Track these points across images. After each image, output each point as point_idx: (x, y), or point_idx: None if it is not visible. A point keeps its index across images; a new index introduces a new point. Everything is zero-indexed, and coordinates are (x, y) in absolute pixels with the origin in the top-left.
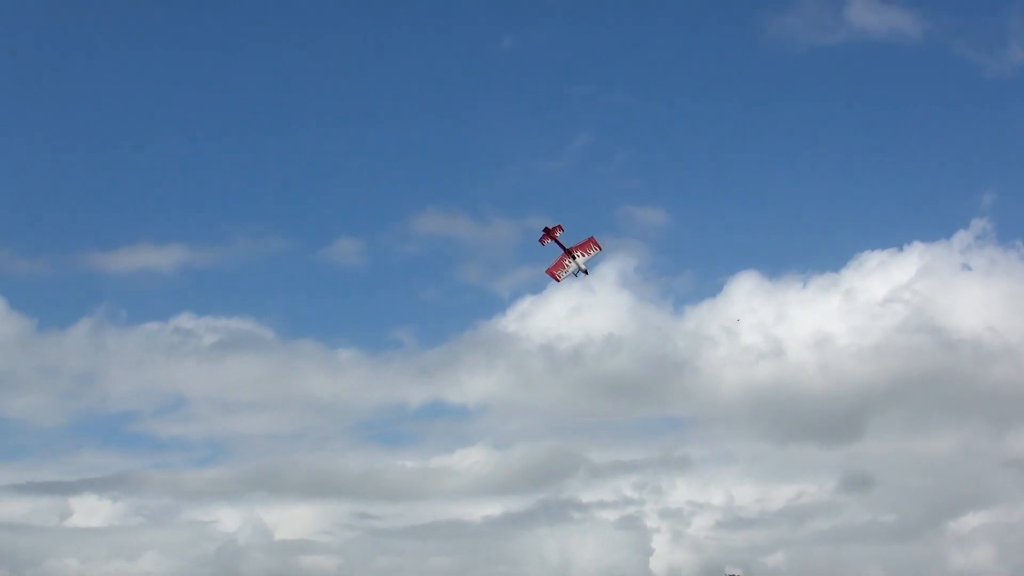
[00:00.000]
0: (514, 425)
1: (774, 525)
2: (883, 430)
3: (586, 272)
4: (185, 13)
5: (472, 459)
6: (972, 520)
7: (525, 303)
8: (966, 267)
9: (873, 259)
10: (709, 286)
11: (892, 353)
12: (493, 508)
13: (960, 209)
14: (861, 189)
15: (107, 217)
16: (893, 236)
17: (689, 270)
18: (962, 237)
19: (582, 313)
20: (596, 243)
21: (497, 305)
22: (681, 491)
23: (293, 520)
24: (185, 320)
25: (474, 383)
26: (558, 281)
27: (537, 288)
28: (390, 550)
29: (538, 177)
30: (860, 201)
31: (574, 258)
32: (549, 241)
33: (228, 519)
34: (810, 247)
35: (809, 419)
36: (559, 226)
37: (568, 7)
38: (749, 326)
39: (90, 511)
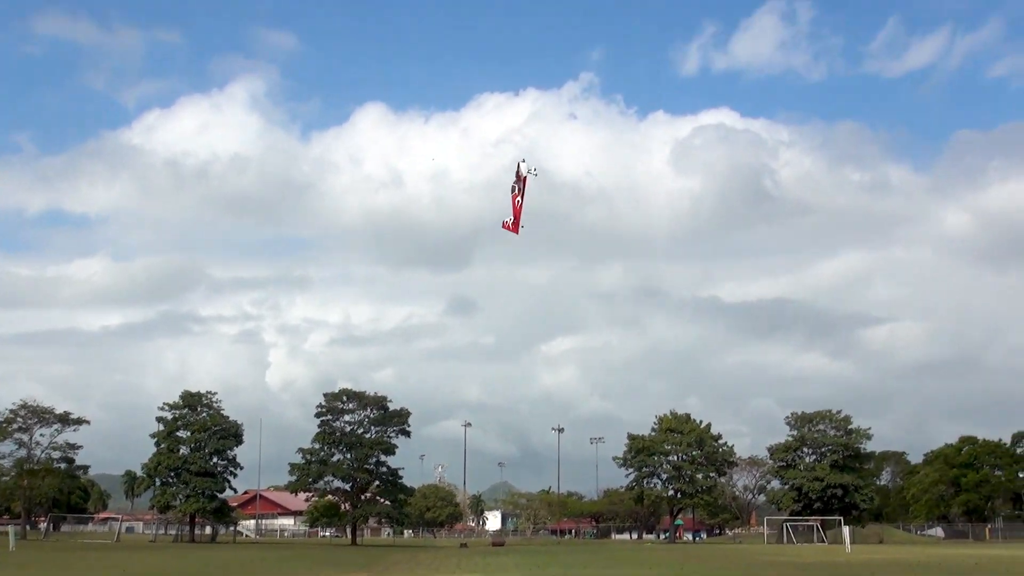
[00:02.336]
0: (136, 237)
1: (385, 343)
2: (488, 260)
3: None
4: None
5: (91, 269)
6: (561, 344)
7: (152, 116)
8: (572, 116)
9: (490, 101)
10: (336, 114)
11: (501, 190)
12: (112, 318)
13: (571, 61)
14: (485, 33)
15: None
16: (511, 80)
17: (318, 97)
18: (571, 88)
19: (210, 131)
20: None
21: (122, 116)
22: (299, 308)
23: None
24: None
25: (96, 193)
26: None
27: (165, 102)
28: (3, 356)
29: None
30: (483, 44)
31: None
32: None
33: None
34: (434, 84)
35: (423, 247)
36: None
37: None
38: (371, 156)
39: None
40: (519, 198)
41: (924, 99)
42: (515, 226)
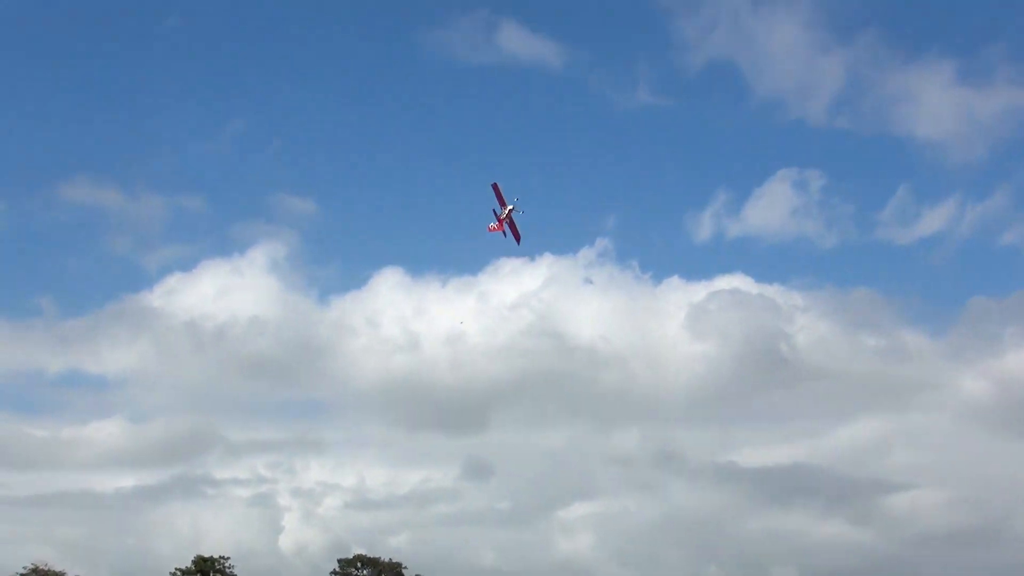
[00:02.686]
0: (153, 399)
1: (400, 507)
2: (505, 424)
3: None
4: None
5: (107, 431)
6: (578, 509)
7: (173, 280)
8: (588, 281)
9: (508, 266)
10: (355, 278)
11: (517, 353)
12: (126, 480)
13: (587, 228)
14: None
15: None
16: (526, 247)
17: (336, 261)
18: (586, 253)
19: (229, 294)
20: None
21: (144, 280)
22: (314, 472)
23: None
24: None
25: (115, 355)
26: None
27: (187, 266)
28: (14, 519)
29: (192, 157)
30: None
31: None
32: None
33: None
34: (452, 249)
35: (439, 410)
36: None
37: None
38: (389, 319)
39: None
40: (504, 218)
41: (937, 266)
42: (499, 226)
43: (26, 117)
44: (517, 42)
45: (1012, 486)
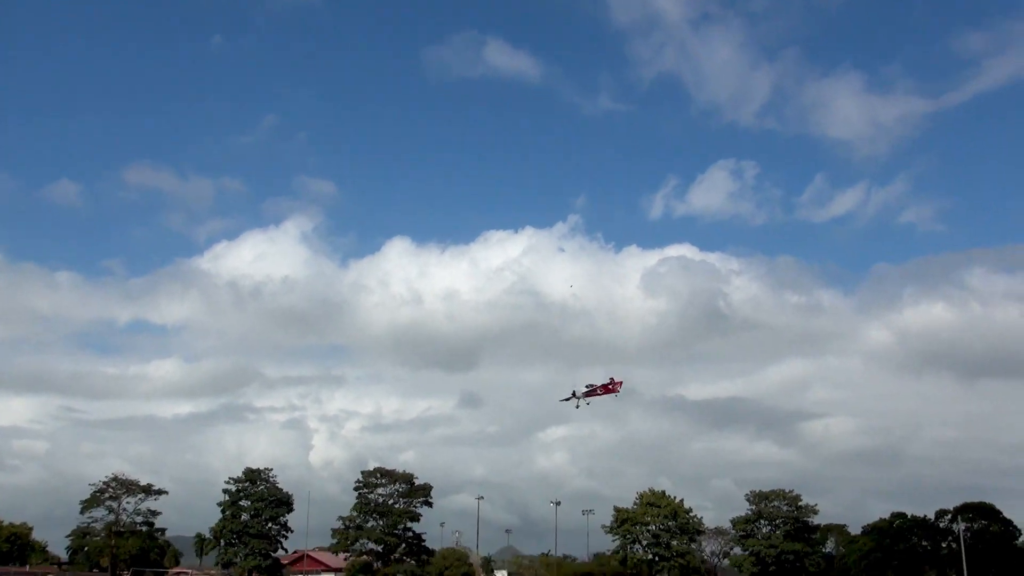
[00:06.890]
0: (203, 343)
1: (408, 430)
2: (492, 364)
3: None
4: None
5: (166, 368)
6: (554, 433)
7: (219, 247)
8: (561, 249)
9: (495, 237)
10: (369, 246)
11: (502, 308)
12: (182, 408)
13: (561, 205)
14: (493, 184)
15: None
16: (512, 220)
17: (353, 232)
18: (560, 227)
19: (265, 259)
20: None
21: (195, 247)
22: (337, 401)
23: (7, 411)
24: None
25: (172, 308)
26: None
27: (231, 235)
28: (94, 438)
29: (233, 147)
30: (491, 191)
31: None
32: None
33: None
34: (449, 223)
35: (438, 352)
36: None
37: (277, 17)
38: (397, 279)
39: None
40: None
41: (847, 239)
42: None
43: (94, 112)
44: (501, 57)
45: (908, 417)
